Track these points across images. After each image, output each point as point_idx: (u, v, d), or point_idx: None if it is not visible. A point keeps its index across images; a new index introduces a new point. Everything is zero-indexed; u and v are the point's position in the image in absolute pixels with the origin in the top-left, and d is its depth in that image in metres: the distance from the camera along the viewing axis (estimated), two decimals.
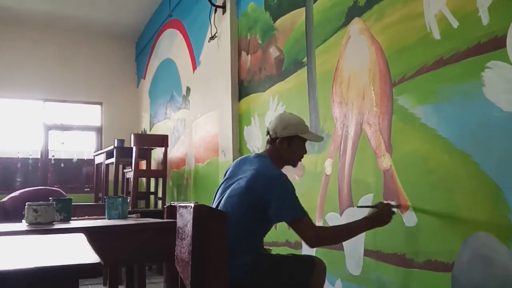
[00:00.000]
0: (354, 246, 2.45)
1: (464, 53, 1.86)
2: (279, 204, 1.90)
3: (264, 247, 2.14)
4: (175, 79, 5.65)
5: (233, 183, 2.05)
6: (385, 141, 2.27)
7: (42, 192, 4.21)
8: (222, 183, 2.16)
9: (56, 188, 4.63)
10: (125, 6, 6.38)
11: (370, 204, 2.21)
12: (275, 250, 3.02)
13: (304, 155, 2.18)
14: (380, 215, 2.02)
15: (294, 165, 2.19)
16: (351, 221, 2.16)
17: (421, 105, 2.06)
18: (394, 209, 2.06)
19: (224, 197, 2.05)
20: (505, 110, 1.69)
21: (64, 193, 4.25)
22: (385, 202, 2.14)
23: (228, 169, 2.20)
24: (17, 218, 2.39)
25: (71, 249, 1.06)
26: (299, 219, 1.91)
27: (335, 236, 2.08)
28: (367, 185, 2.38)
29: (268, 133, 2.14)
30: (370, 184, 2.36)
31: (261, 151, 2.23)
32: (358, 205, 2.35)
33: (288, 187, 1.95)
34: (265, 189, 1.91)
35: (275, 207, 1.89)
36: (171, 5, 5.73)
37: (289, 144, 2.08)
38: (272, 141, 2.10)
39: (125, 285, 3.17)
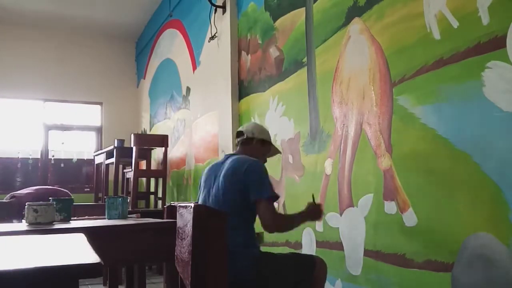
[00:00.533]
0: (354, 246, 2.46)
1: (464, 53, 1.86)
2: (252, 183, 2.00)
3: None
4: (175, 79, 5.65)
5: (214, 184, 2.12)
6: (385, 141, 2.27)
7: (53, 191, 4.24)
8: (200, 194, 2.23)
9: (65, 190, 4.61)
10: (125, 6, 6.38)
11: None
12: (275, 250, 3.03)
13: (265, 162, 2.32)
14: (312, 213, 2.17)
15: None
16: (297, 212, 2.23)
17: (421, 105, 2.06)
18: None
19: (211, 197, 2.10)
20: (505, 110, 1.69)
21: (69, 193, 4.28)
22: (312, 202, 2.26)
23: (201, 181, 2.28)
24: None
25: (71, 249, 1.06)
26: (263, 199, 1.97)
27: (288, 225, 2.17)
28: (367, 185, 2.38)
29: (241, 134, 2.29)
30: (370, 184, 2.36)
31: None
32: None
33: (261, 170, 2.07)
34: (246, 173, 2.02)
35: (252, 186, 2.00)
36: (171, 5, 5.73)
37: (262, 145, 2.29)
38: (246, 141, 2.27)
39: (125, 285, 3.17)
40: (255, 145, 2.27)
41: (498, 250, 1.69)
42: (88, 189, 7.03)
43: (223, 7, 4.06)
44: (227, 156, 2.22)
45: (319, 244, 2.75)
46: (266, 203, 1.97)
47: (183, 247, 1.65)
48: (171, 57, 5.88)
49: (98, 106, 7.48)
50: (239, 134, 2.32)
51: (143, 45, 7.25)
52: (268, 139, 2.33)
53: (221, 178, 2.08)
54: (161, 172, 5.33)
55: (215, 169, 2.19)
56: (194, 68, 5.03)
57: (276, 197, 2.03)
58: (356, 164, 2.48)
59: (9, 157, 6.98)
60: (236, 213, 1.96)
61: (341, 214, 2.58)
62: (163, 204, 5.37)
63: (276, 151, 2.42)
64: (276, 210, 2.05)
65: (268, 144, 2.34)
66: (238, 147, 2.30)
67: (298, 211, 2.18)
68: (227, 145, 3.88)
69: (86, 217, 2.99)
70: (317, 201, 2.38)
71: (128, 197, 4.24)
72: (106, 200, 2.75)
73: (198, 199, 2.24)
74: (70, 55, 7.18)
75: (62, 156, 7.25)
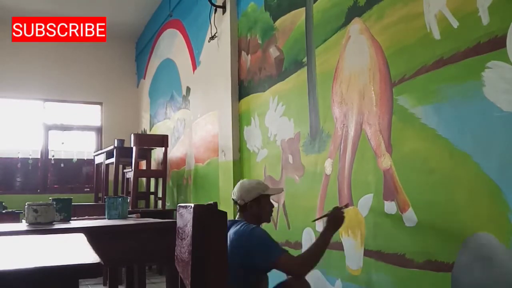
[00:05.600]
0: (354, 246, 2.45)
1: (464, 53, 1.85)
2: (258, 254, 2.08)
3: None
4: (175, 79, 5.65)
5: None
6: (385, 141, 2.27)
7: None
8: None
9: None
10: (125, 6, 6.38)
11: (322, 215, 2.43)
12: None
13: (273, 208, 2.39)
14: (333, 220, 2.20)
15: (268, 221, 2.38)
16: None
17: (421, 105, 2.06)
18: (343, 210, 2.26)
19: None
20: (505, 110, 1.69)
21: None
22: (334, 207, 2.30)
23: None
24: None
25: (71, 249, 1.06)
26: (280, 258, 2.05)
27: (313, 256, 2.14)
28: (367, 185, 2.38)
29: (235, 203, 2.34)
30: (370, 184, 2.36)
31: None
32: (313, 220, 2.61)
33: (261, 235, 2.14)
34: (246, 242, 2.11)
35: (260, 257, 2.08)
36: (171, 5, 5.73)
37: (258, 204, 2.31)
38: (242, 208, 2.32)
39: (125, 285, 3.17)
40: (249, 209, 2.30)
41: (498, 250, 1.69)
42: (88, 189, 7.02)
43: (223, 7, 4.06)
44: (230, 224, 2.24)
45: None
46: (283, 260, 2.04)
47: (183, 247, 1.65)
48: (171, 57, 5.88)
49: (98, 106, 7.48)
50: (234, 201, 2.37)
51: (143, 45, 7.25)
52: (258, 193, 2.30)
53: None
54: (161, 172, 5.33)
55: None
56: (194, 68, 5.03)
57: (285, 250, 2.10)
58: (356, 164, 2.48)
59: (9, 157, 6.98)
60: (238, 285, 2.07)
61: None
62: (163, 204, 5.37)
63: (278, 191, 2.48)
64: (293, 257, 2.10)
65: (263, 196, 2.33)
66: (238, 214, 2.36)
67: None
68: (227, 145, 3.89)
69: (86, 217, 3.00)
70: (341, 206, 2.32)
71: (128, 197, 4.24)
72: (106, 200, 2.76)
73: None
74: (70, 55, 7.17)
75: (62, 156, 7.25)
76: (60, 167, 7.19)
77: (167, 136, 5.30)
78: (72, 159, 7.31)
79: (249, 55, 3.75)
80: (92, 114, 7.47)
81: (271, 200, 2.41)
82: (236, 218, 2.36)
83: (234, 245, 2.10)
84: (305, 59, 2.98)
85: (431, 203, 1.99)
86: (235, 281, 2.03)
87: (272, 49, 3.40)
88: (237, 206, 2.35)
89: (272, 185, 3.32)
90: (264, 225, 2.35)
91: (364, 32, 2.45)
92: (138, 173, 5.28)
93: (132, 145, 5.08)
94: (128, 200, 3.44)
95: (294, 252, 2.86)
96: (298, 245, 2.94)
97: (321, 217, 2.45)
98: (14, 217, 3.90)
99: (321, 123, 2.80)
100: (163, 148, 5.20)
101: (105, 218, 2.73)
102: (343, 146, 2.58)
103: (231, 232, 2.19)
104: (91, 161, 6.91)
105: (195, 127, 4.92)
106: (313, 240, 2.81)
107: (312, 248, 2.16)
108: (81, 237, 1.26)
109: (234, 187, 3.82)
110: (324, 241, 2.15)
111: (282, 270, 2.10)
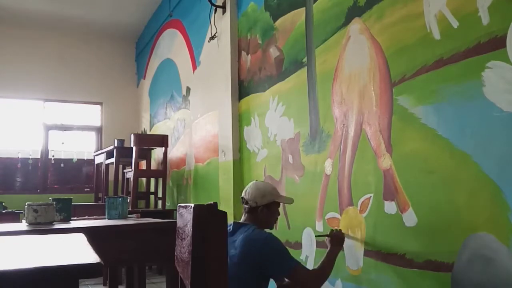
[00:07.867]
0: (354, 246, 2.46)
1: (464, 53, 1.86)
2: (277, 262, 2.08)
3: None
4: (175, 79, 5.65)
5: None
6: (385, 141, 2.27)
7: None
8: None
9: None
10: (125, 6, 6.38)
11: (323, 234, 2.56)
12: None
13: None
14: (335, 240, 2.32)
15: (272, 228, 2.36)
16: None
17: (421, 105, 2.06)
18: (339, 230, 2.42)
19: None
20: (505, 110, 1.69)
21: None
22: (333, 229, 2.44)
23: None
24: None
25: (71, 249, 1.06)
26: (295, 270, 2.08)
27: (324, 273, 2.21)
28: (367, 185, 2.38)
29: (245, 202, 2.29)
30: (370, 184, 2.36)
31: (242, 218, 2.34)
32: (316, 235, 2.70)
33: (277, 245, 2.14)
34: (261, 251, 2.09)
35: (275, 267, 2.08)
36: (171, 5, 5.73)
37: (268, 210, 2.29)
38: (252, 210, 2.27)
39: (125, 285, 3.17)
40: (260, 213, 2.27)
41: (498, 250, 1.69)
42: (88, 189, 7.03)
43: (223, 7, 4.06)
44: (236, 227, 2.21)
45: (319, 244, 2.75)
46: (297, 271, 2.08)
47: (183, 247, 1.65)
48: (171, 57, 5.88)
49: (98, 106, 7.48)
50: (243, 200, 2.31)
51: (143, 45, 7.25)
52: (271, 199, 2.29)
53: (233, 258, 2.10)
54: (161, 172, 5.33)
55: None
56: (194, 68, 5.03)
57: (298, 261, 2.11)
58: (356, 164, 2.48)
59: (9, 157, 6.98)
60: None
61: (341, 214, 2.58)
62: (163, 204, 5.38)
63: (290, 201, 2.45)
64: (307, 270, 2.15)
65: (275, 203, 2.32)
66: (245, 215, 2.30)
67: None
68: (227, 145, 3.89)
69: (86, 217, 3.00)
70: (337, 229, 2.45)
71: (128, 197, 4.24)
72: (106, 200, 2.76)
73: None
74: (70, 55, 7.18)
75: (62, 156, 7.25)
76: (60, 167, 7.19)
77: (167, 136, 5.30)
78: (72, 159, 7.31)
79: (249, 55, 3.75)
80: (92, 114, 7.47)
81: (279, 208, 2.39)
82: (243, 220, 2.30)
83: (246, 250, 2.08)
84: (305, 59, 2.98)
85: (431, 203, 1.99)
86: (242, 283, 2.03)
87: (272, 49, 3.40)
88: (245, 206, 2.29)
89: None
90: None
91: (364, 32, 2.45)
92: (138, 173, 5.28)
93: (132, 145, 5.08)
94: (128, 200, 3.45)
95: (293, 252, 2.87)
96: (298, 245, 2.94)
97: (322, 236, 2.52)
98: (14, 217, 3.90)
99: (321, 123, 2.80)
100: (163, 148, 5.21)
101: (105, 218, 2.73)
102: (343, 146, 2.58)
103: (240, 236, 2.14)
104: (91, 161, 6.91)
105: (195, 127, 4.92)
106: (313, 240, 2.82)
107: (321, 266, 2.23)
108: (81, 237, 1.26)
109: (233, 186, 3.81)
110: (331, 261, 2.24)
111: (293, 282, 2.12)
